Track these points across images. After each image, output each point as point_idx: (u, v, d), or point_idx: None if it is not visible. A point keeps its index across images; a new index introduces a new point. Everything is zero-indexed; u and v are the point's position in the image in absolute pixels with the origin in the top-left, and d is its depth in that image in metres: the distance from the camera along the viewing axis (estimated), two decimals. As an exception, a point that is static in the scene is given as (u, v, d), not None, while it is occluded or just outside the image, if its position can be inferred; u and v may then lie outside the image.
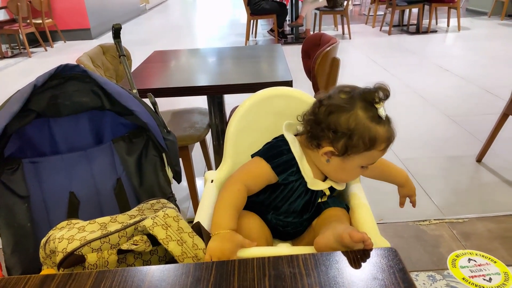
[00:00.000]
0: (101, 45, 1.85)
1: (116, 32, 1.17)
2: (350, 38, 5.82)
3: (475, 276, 1.45)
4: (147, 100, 1.09)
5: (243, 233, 0.77)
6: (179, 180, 1.11)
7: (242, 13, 6.73)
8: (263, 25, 7.18)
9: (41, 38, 5.97)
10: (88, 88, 1.00)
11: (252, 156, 0.92)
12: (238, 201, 0.81)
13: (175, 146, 1.08)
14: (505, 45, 4.95)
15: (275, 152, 0.88)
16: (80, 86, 0.99)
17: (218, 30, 7.35)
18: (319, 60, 1.56)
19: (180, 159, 1.77)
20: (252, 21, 5.87)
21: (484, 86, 3.50)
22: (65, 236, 0.71)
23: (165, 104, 2.06)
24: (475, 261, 1.52)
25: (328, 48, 1.59)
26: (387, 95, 0.77)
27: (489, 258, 1.53)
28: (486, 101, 3.18)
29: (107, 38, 6.64)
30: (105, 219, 0.76)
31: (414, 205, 1.05)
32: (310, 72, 1.67)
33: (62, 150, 1.06)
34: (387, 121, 0.78)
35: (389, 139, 0.78)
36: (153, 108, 1.05)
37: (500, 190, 1.97)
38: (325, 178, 0.90)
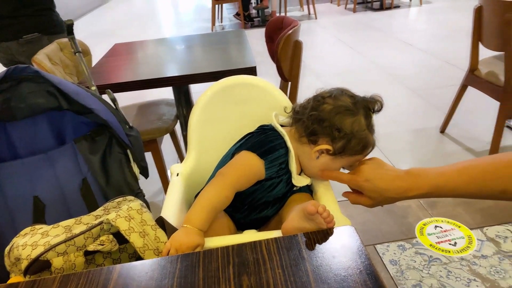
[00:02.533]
0: (58, 41, 1.78)
1: (69, 29, 1.13)
2: (316, 18, 5.83)
3: (441, 241, 1.53)
4: (106, 97, 1.07)
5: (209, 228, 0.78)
6: (146, 175, 1.10)
7: (206, -2, 6.64)
8: (228, 9, 7.08)
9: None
10: (42, 89, 0.97)
11: (238, 149, 0.88)
12: (220, 206, 0.79)
13: (139, 141, 1.07)
14: (466, 17, 5.09)
15: (268, 147, 0.84)
16: (34, 87, 0.96)
17: (183, 17, 7.20)
18: (281, 44, 1.56)
19: (150, 153, 1.75)
20: (217, 5, 5.78)
21: (446, 58, 3.61)
22: (28, 242, 0.70)
23: (130, 98, 2.03)
24: (441, 227, 1.60)
25: (290, 31, 1.59)
26: (381, 108, 0.83)
27: (454, 224, 1.61)
28: (448, 73, 3.28)
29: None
30: (70, 221, 0.75)
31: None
32: (274, 56, 1.68)
33: (22, 154, 1.03)
34: (374, 131, 0.84)
35: (373, 147, 0.83)
36: (113, 105, 1.04)
37: (463, 158, 2.06)
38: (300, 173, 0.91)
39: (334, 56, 4.09)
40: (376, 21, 5.33)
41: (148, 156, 1.72)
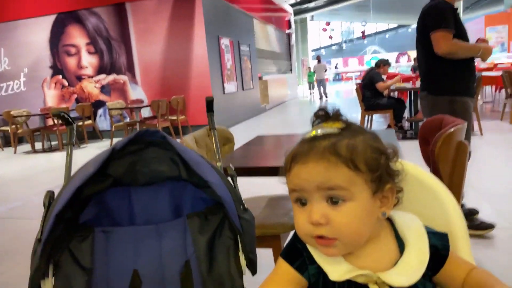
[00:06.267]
0: (207, 127, 1.91)
1: (209, 105, 1.14)
2: (481, 134, 5.18)
3: None
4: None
5: None
6: (253, 271, 0.91)
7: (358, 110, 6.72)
8: (378, 122, 6.98)
9: (173, 131, 6.80)
10: (167, 156, 0.94)
11: None
12: None
13: (251, 227, 0.91)
14: None
15: None
16: (160, 153, 0.94)
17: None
18: (439, 143, 1.29)
19: (272, 250, 1.57)
20: (366, 116, 5.75)
21: None
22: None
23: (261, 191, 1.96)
24: None
25: (452, 129, 1.32)
26: None
27: None
28: None
29: (233, 130, 7.22)
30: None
31: None
32: (429, 159, 1.40)
33: (138, 221, 0.98)
34: None
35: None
36: (231, 182, 0.93)
37: None
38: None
39: (505, 177, 3.40)
40: None
41: (267, 253, 1.54)
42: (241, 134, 1.71)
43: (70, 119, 1.05)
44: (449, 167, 1.35)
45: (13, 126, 7.06)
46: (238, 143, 1.96)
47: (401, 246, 0.62)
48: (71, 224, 0.92)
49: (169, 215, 0.99)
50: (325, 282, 0.61)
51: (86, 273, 0.88)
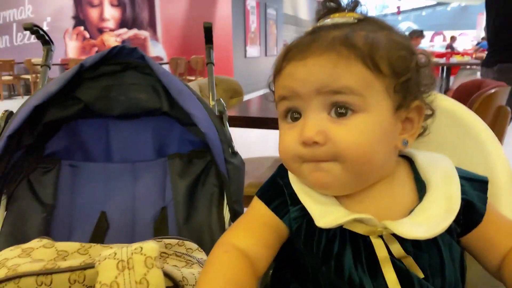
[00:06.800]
0: (216, 76, 1.74)
1: (207, 35, 0.97)
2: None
3: None
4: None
5: None
6: (238, 226, 0.77)
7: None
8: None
9: (191, 92, 6.67)
10: (147, 83, 0.79)
11: None
12: (229, 274, 0.41)
13: (239, 174, 0.77)
14: None
15: None
16: (139, 79, 0.79)
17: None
18: (477, 103, 1.10)
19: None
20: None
21: None
22: (8, 256, 0.44)
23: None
24: None
25: (493, 90, 1.12)
26: None
27: None
28: None
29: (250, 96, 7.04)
30: (73, 246, 0.47)
31: None
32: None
33: (115, 159, 0.85)
34: None
35: None
36: (220, 118, 0.78)
37: None
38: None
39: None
40: None
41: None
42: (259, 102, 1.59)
43: (47, 37, 0.90)
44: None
45: (34, 75, 7.06)
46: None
47: (421, 191, 0.44)
48: (35, 154, 0.80)
49: (150, 155, 0.86)
50: (309, 230, 0.44)
51: (45, 210, 0.76)
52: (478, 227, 0.44)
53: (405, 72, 0.40)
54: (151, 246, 0.39)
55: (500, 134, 1.14)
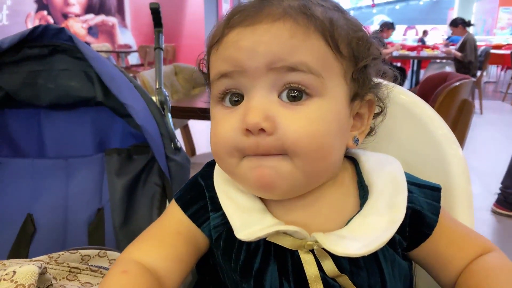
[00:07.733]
0: (175, 64, 1.65)
1: (156, 15, 0.87)
2: (481, 113, 4.95)
3: None
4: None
5: None
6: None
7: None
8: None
9: (161, 82, 6.48)
10: (79, 69, 0.70)
11: None
12: None
13: (183, 172, 0.70)
14: None
15: None
16: (70, 64, 0.70)
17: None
18: (441, 97, 1.06)
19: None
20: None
21: None
22: None
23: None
24: None
25: (457, 84, 1.09)
26: None
27: None
28: None
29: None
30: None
31: None
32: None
33: (49, 154, 0.76)
34: None
35: None
36: (161, 109, 0.70)
37: None
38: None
39: (498, 155, 3.22)
40: None
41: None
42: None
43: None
44: (449, 124, 1.12)
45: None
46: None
47: (363, 198, 0.37)
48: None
49: (87, 150, 0.77)
50: (228, 241, 0.37)
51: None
52: (428, 240, 0.38)
53: (364, 57, 0.35)
54: (26, 271, 0.31)
55: (464, 127, 1.11)
